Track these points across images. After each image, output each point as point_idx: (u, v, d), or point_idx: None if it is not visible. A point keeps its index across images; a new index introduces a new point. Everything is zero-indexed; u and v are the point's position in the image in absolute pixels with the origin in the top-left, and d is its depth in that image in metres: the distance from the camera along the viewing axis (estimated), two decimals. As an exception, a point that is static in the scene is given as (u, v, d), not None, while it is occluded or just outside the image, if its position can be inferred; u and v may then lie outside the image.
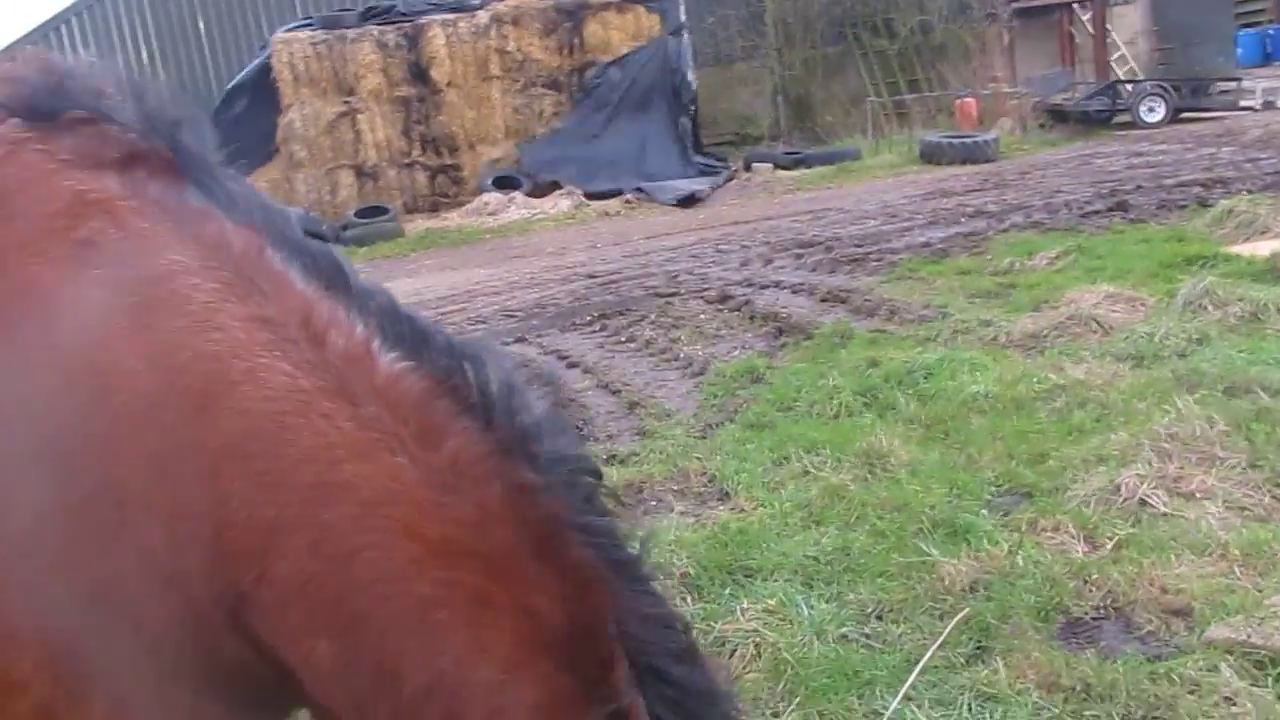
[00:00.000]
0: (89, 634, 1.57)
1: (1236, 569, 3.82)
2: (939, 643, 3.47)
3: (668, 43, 19.70)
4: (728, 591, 4.18)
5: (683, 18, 20.40)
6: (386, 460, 1.51)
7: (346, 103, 19.67)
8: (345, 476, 1.50)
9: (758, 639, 3.73)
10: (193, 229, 1.66)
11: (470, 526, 1.48)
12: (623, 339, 9.19)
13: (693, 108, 20.48)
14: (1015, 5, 22.50)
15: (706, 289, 10.55)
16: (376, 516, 1.49)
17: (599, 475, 1.63)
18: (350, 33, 19.76)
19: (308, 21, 20.89)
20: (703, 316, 9.52)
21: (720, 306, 9.77)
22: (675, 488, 5.45)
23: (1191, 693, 3.20)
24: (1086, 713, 3.20)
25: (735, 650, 3.71)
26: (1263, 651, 3.29)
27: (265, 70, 19.82)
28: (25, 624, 1.57)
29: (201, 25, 23.79)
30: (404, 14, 20.37)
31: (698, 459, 5.74)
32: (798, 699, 3.45)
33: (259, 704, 1.67)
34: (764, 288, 10.32)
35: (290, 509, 1.50)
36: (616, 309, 10.33)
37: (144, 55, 23.80)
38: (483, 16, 19.82)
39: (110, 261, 1.62)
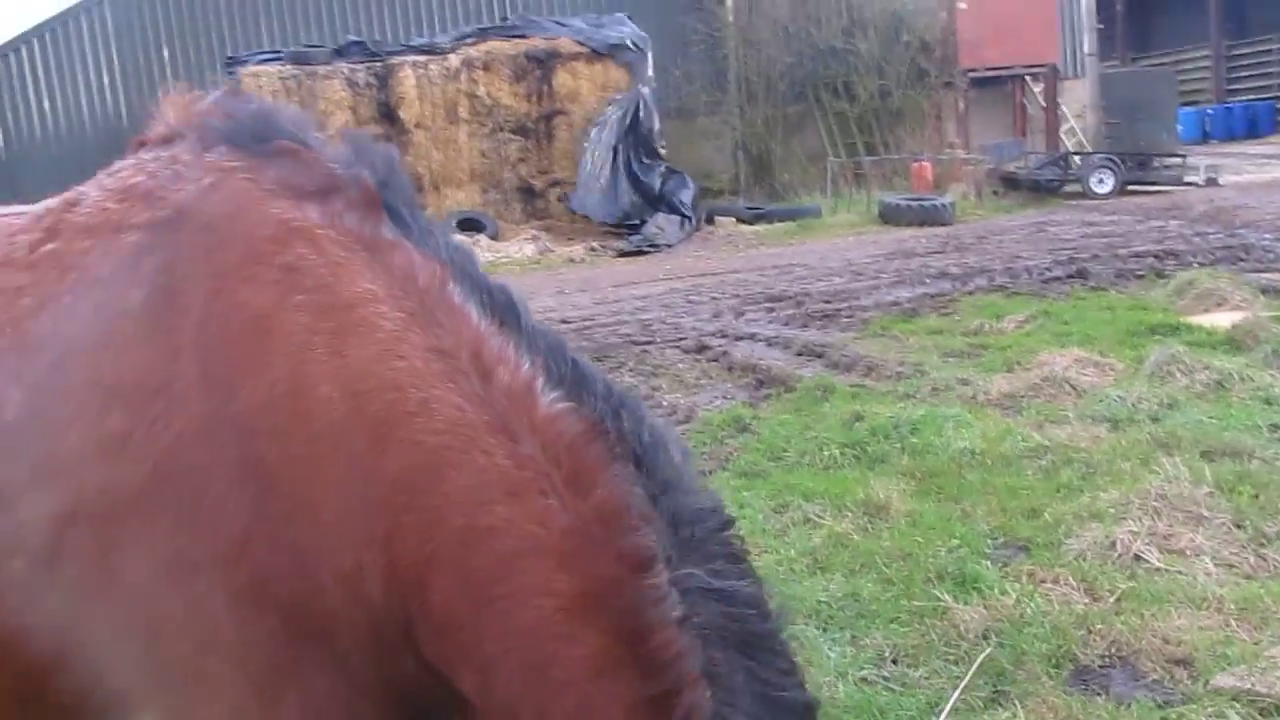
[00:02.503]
0: (283, 646, 1.66)
1: (1233, 622, 4.03)
2: (964, 684, 3.62)
3: (639, 94, 19.98)
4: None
5: (650, 71, 20.76)
6: (537, 503, 1.59)
7: (313, 139, 19.67)
8: (494, 521, 1.58)
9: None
10: (384, 259, 1.78)
11: (605, 582, 1.54)
12: (603, 385, 9.29)
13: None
14: (971, 75, 23.23)
15: (682, 338, 10.74)
16: (516, 569, 1.57)
17: (739, 537, 1.70)
18: (320, 69, 19.86)
19: (275, 55, 20.90)
20: (681, 365, 9.69)
21: (698, 356, 9.94)
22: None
23: (1204, 738, 3.38)
24: (1106, 755, 3.38)
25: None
26: (1267, 699, 3.49)
27: (232, 103, 19.75)
28: (227, 630, 1.66)
29: (166, 53, 23.70)
30: (373, 53, 20.50)
31: (697, 506, 5.86)
32: (827, 738, 3.58)
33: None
34: (739, 339, 10.53)
35: (444, 549, 1.60)
36: (593, 355, 10.43)
37: (105, 81, 23.66)
38: (454, 60, 20.05)
39: (311, 288, 1.74)
